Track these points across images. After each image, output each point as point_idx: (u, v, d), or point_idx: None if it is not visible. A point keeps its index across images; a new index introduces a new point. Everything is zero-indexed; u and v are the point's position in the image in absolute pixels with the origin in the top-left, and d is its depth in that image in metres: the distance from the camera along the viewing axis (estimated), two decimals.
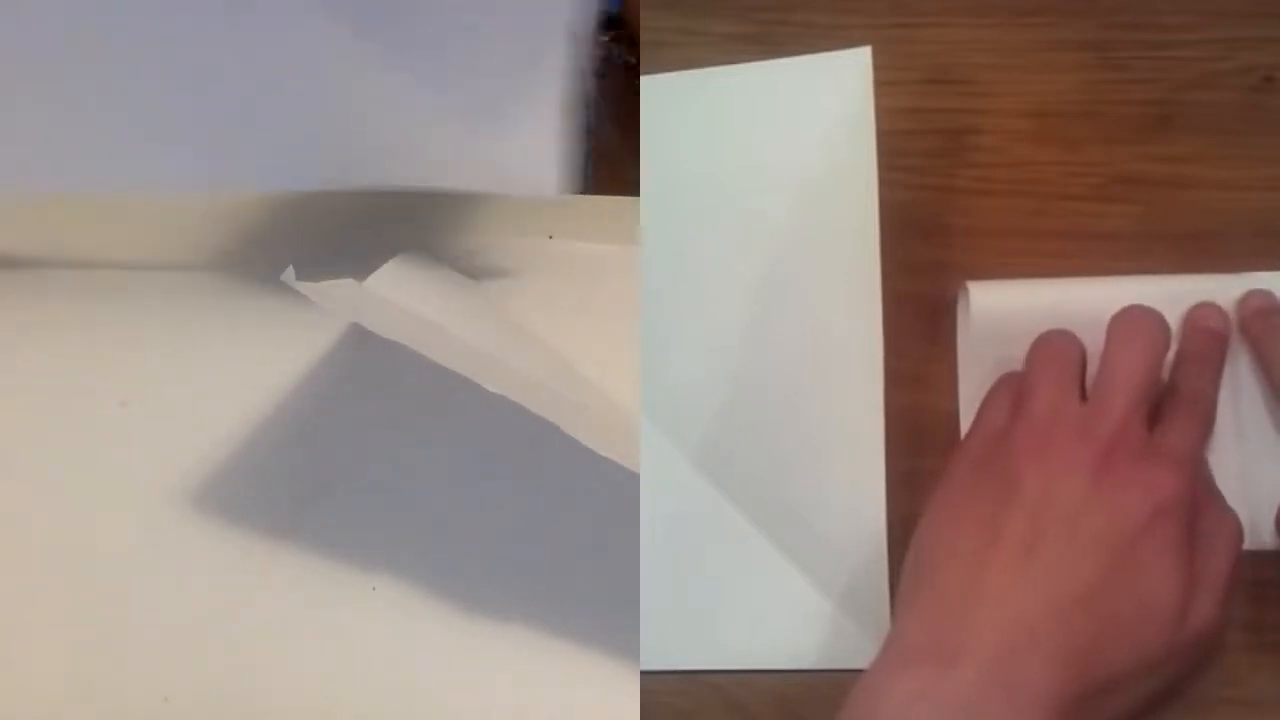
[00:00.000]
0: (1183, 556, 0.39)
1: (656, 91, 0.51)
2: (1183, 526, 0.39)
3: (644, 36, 0.52)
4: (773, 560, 0.46)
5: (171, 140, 0.56)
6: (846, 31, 0.50)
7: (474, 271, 0.59)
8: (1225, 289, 0.45)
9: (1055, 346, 0.43)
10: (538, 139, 0.56)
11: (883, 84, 0.47)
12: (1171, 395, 0.43)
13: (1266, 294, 0.44)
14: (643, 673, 0.44)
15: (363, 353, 0.55)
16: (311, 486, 0.50)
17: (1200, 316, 0.44)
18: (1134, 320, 0.42)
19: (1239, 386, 0.45)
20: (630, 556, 0.45)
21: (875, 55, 0.48)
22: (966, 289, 0.46)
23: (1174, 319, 0.44)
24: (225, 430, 0.51)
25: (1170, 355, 0.43)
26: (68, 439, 0.51)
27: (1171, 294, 0.44)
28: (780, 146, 0.49)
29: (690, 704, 0.45)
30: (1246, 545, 0.41)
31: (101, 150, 0.55)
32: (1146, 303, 0.43)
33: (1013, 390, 0.43)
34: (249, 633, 0.44)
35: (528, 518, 0.48)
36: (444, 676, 0.43)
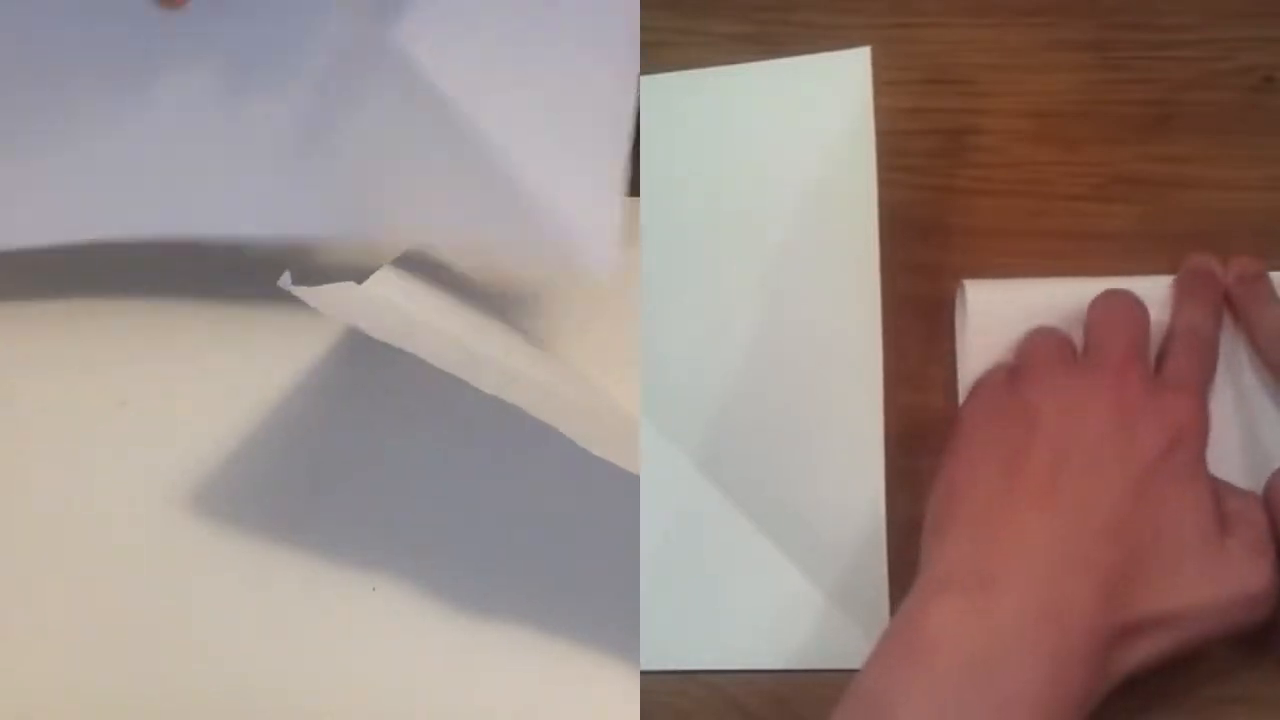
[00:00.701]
0: (1203, 485, 0.40)
1: (656, 91, 0.51)
2: (1198, 457, 0.40)
3: (644, 36, 0.52)
4: (772, 560, 0.46)
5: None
6: (847, 31, 0.50)
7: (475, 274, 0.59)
8: None
9: (1045, 339, 0.44)
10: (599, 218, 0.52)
11: (883, 84, 0.47)
12: (1170, 338, 0.44)
13: (1250, 260, 0.45)
14: (643, 673, 0.44)
15: (362, 353, 0.55)
16: (311, 486, 0.50)
17: (1193, 262, 0.45)
18: (1114, 296, 0.44)
19: (1238, 361, 0.45)
20: (630, 556, 0.45)
21: (875, 55, 0.48)
22: (964, 288, 0.46)
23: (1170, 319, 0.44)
24: (225, 430, 0.51)
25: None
26: (68, 439, 0.51)
27: (1170, 295, 0.45)
28: (780, 146, 0.49)
29: (690, 704, 0.45)
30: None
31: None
32: (1146, 303, 0.43)
33: (1008, 364, 0.44)
34: (249, 633, 0.44)
35: (528, 517, 0.48)
36: (444, 676, 0.43)
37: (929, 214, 0.49)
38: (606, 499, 0.47)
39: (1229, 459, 0.43)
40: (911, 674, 0.36)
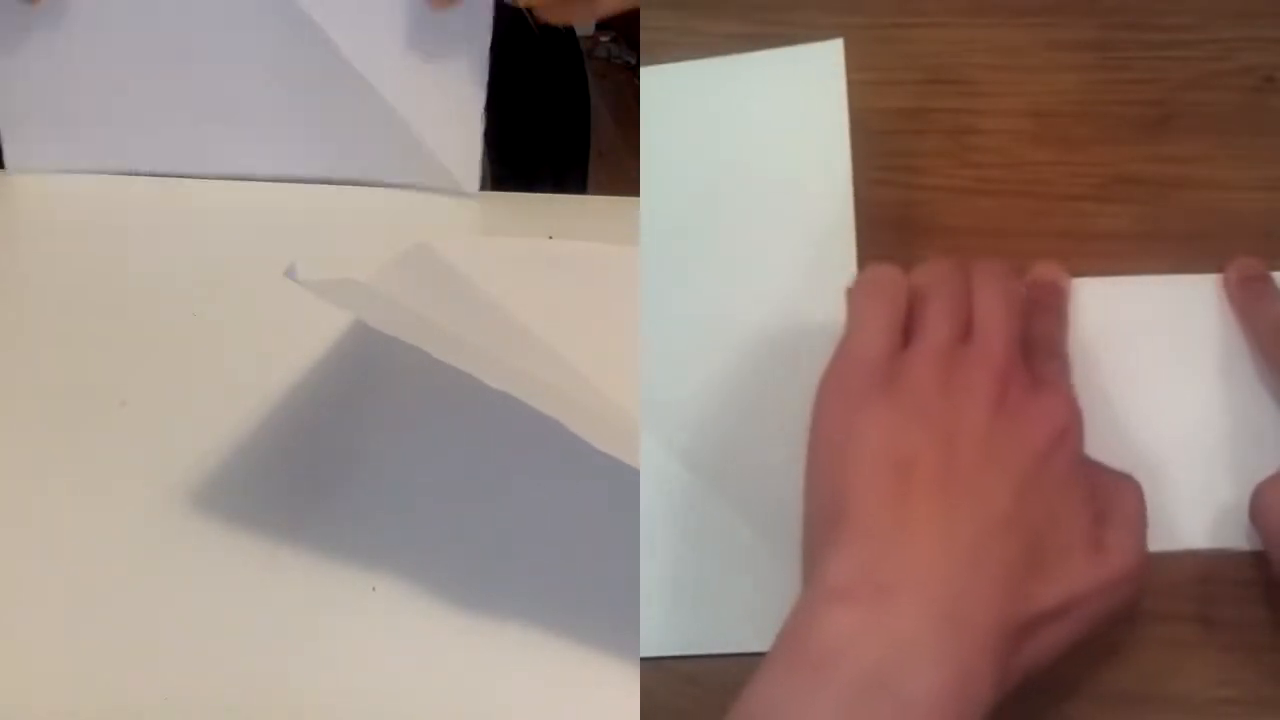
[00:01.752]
0: (1084, 481, 0.40)
1: (655, 83, 0.51)
2: (1078, 452, 0.41)
3: (644, 36, 0.52)
4: (764, 551, 0.46)
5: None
6: (847, 31, 0.51)
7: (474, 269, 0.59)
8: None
9: (938, 271, 0.42)
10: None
11: (883, 84, 0.47)
12: (1029, 344, 0.43)
13: (1250, 261, 0.45)
14: (643, 673, 0.44)
15: (362, 354, 0.55)
16: (311, 486, 0.50)
17: (1040, 272, 0.46)
18: (994, 281, 0.43)
19: (1231, 362, 0.45)
20: (630, 556, 0.45)
21: (876, 55, 0.48)
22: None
23: (1173, 319, 0.44)
24: (225, 430, 0.51)
25: None
26: (68, 439, 0.51)
27: (1169, 295, 0.45)
28: (758, 139, 0.50)
29: (690, 704, 0.45)
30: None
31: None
32: (1148, 303, 0.44)
33: (892, 316, 0.42)
34: (249, 633, 0.44)
35: (528, 517, 0.48)
36: (444, 676, 0.43)
37: (929, 214, 0.49)
38: (606, 498, 0.47)
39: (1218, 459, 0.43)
40: (811, 688, 0.35)
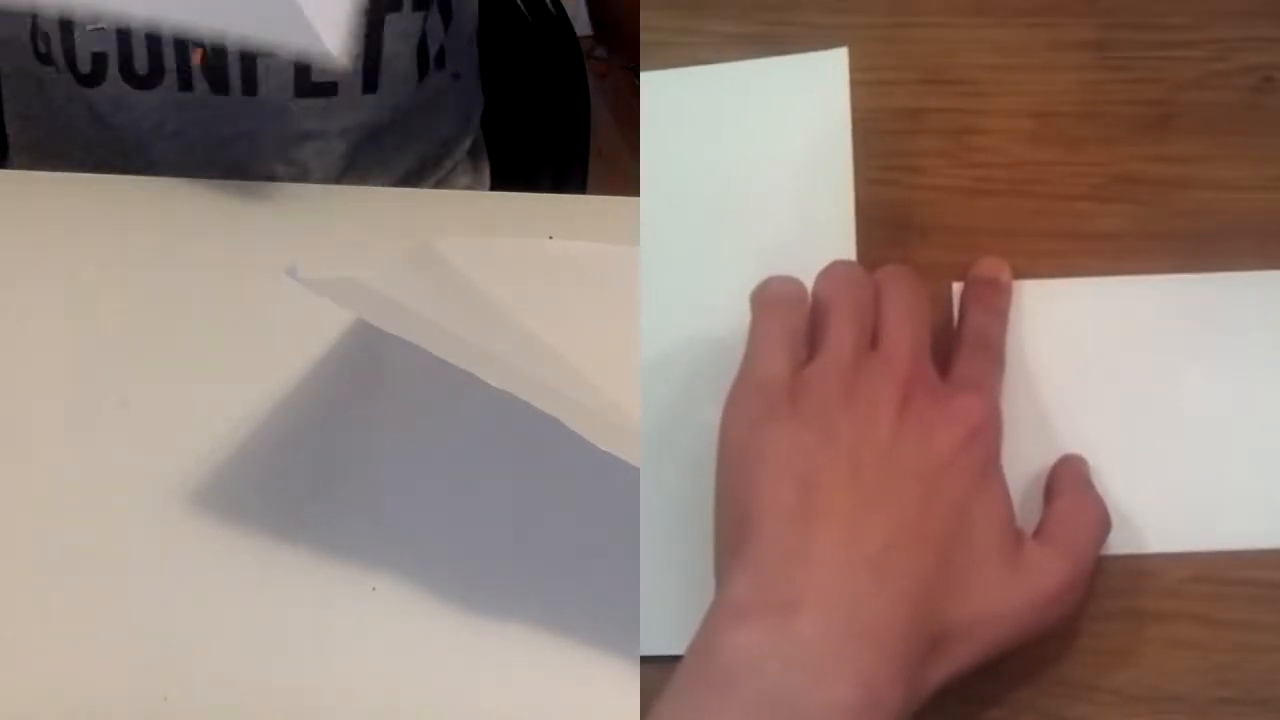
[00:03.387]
0: (999, 486, 0.39)
1: (656, 88, 0.51)
2: (990, 454, 0.40)
3: (644, 36, 0.52)
4: None
5: None
6: (847, 31, 0.50)
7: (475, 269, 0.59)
8: (1226, 288, 0.45)
9: (841, 279, 0.42)
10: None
11: (883, 84, 0.47)
12: (960, 342, 0.43)
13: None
14: (643, 672, 0.44)
15: (362, 354, 0.55)
16: (311, 486, 0.50)
17: (981, 268, 0.46)
18: (901, 287, 0.42)
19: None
20: (630, 556, 0.45)
21: (876, 55, 0.48)
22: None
23: (1175, 318, 0.44)
24: (225, 430, 0.51)
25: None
26: (68, 439, 0.51)
27: (1171, 293, 0.45)
28: (760, 145, 0.50)
29: None
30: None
31: None
32: (1147, 304, 0.43)
33: (791, 334, 0.42)
34: (249, 633, 0.44)
35: (528, 517, 0.48)
36: (444, 676, 0.43)
37: (929, 214, 0.48)
38: (606, 498, 0.47)
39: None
40: (714, 706, 0.35)
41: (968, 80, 0.50)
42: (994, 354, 0.44)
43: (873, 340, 0.41)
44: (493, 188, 0.88)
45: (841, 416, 0.39)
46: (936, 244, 0.48)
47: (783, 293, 0.42)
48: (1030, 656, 0.42)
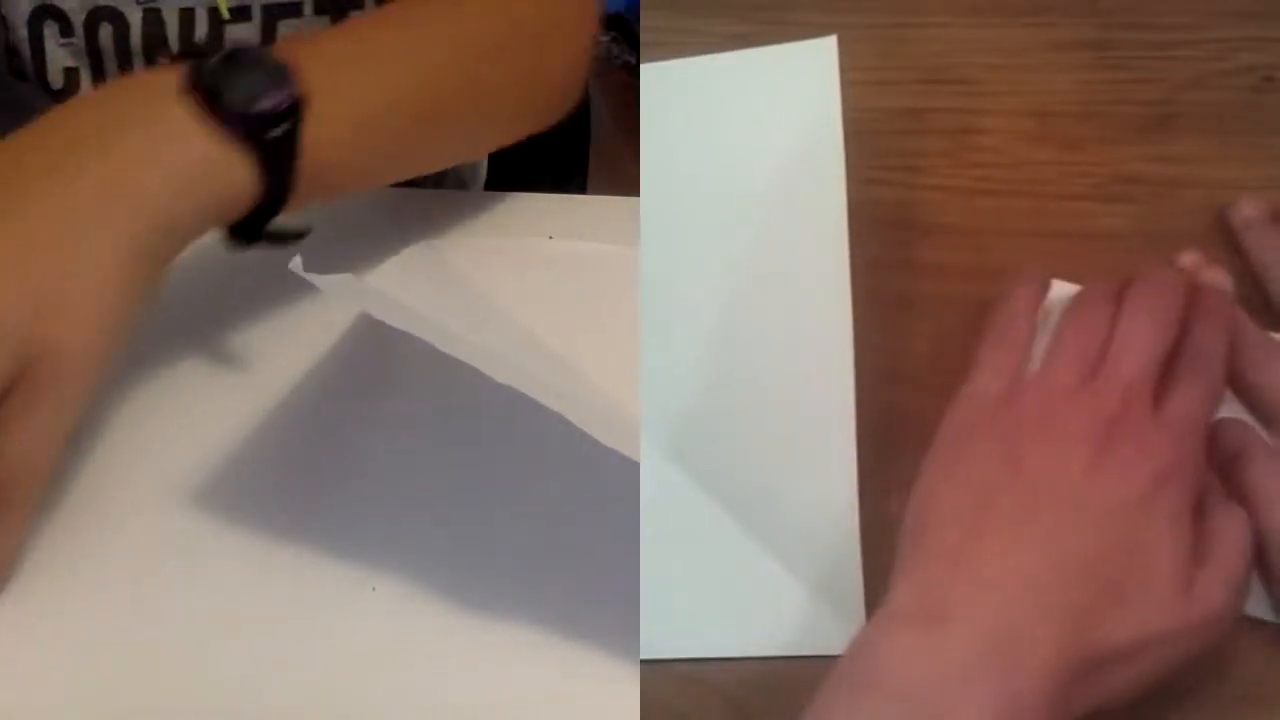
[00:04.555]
0: (1183, 527, 0.39)
1: (654, 79, 0.51)
2: (1184, 497, 0.39)
3: (644, 36, 0.52)
4: (760, 552, 0.46)
5: None
6: (847, 31, 0.50)
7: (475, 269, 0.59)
8: None
9: (1086, 320, 0.42)
10: None
11: (883, 84, 0.47)
12: (1180, 357, 0.42)
13: (1257, 203, 0.45)
14: (643, 674, 0.44)
15: (363, 354, 0.55)
16: (311, 486, 0.50)
17: (1207, 274, 0.45)
18: (1149, 291, 0.43)
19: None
20: (630, 556, 0.45)
21: (876, 55, 0.48)
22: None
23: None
24: (225, 430, 0.51)
25: None
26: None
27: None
28: (754, 136, 0.50)
29: (690, 704, 0.45)
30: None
31: None
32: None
33: (1021, 344, 0.43)
34: (249, 633, 0.44)
35: (528, 517, 0.48)
36: (444, 676, 0.43)
37: (929, 214, 0.49)
38: (606, 498, 0.47)
39: None
40: (853, 704, 0.36)
41: (968, 80, 0.50)
42: (1210, 375, 0.43)
43: (1098, 363, 0.41)
44: (492, 188, 0.88)
45: (1032, 448, 0.40)
46: (936, 244, 0.48)
47: (1012, 321, 0.44)
48: None
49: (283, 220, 0.49)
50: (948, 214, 0.49)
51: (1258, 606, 0.42)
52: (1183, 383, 0.42)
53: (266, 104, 0.46)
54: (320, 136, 0.47)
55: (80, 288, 0.42)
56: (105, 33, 0.67)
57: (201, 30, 0.68)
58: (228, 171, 0.45)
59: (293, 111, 0.47)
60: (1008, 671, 0.35)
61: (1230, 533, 0.40)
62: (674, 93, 0.52)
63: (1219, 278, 0.45)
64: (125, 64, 0.69)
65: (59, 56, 0.69)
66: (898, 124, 0.49)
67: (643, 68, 0.52)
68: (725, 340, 0.49)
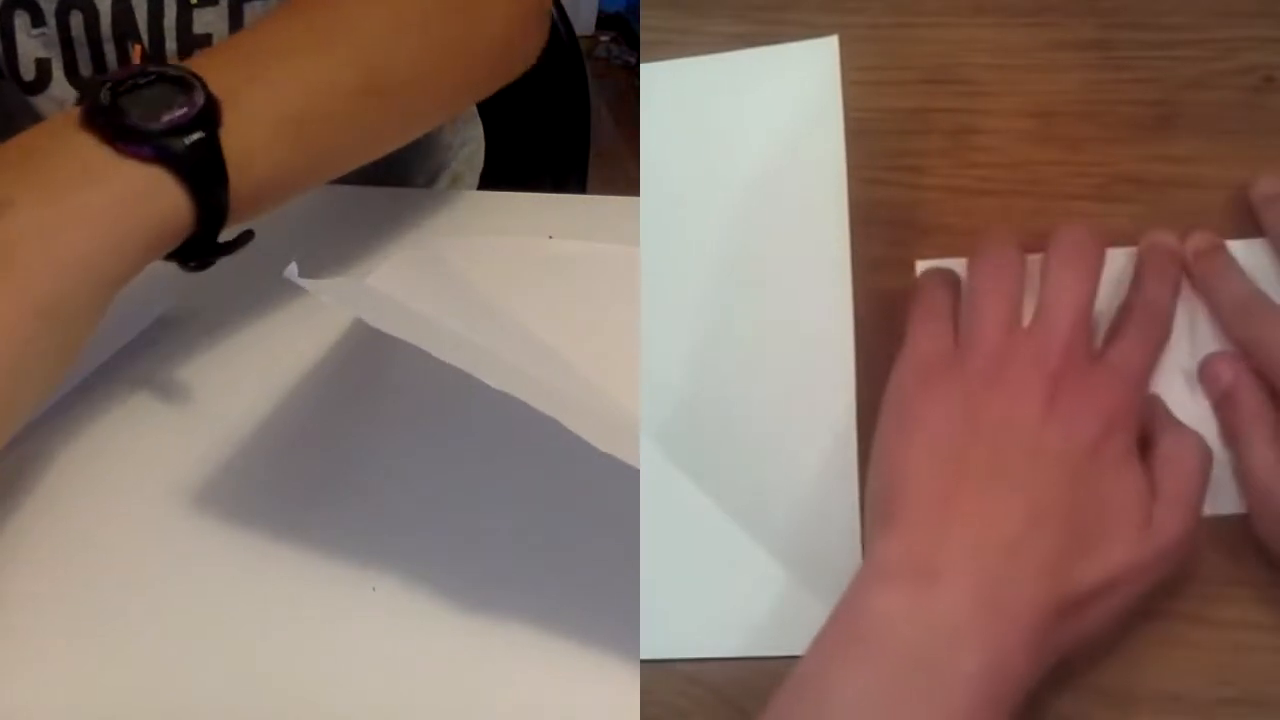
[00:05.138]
0: (1133, 467, 0.41)
1: (655, 79, 0.51)
2: (1129, 440, 0.41)
3: (644, 36, 0.52)
4: (760, 553, 0.46)
5: None
6: (847, 31, 0.51)
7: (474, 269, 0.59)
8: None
9: (997, 264, 0.44)
10: None
11: (883, 84, 0.47)
12: (1127, 309, 0.44)
13: (1207, 233, 0.46)
14: (643, 674, 0.44)
15: (362, 354, 0.55)
16: (311, 486, 0.50)
17: (1156, 237, 0.46)
18: (1073, 243, 0.44)
19: (1196, 337, 0.45)
20: (630, 556, 0.45)
21: (876, 55, 0.48)
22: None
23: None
24: (225, 430, 0.51)
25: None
26: (68, 439, 0.51)
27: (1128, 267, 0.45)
28: (755, 136, 0.50)
29: (690, 704, 0.45)
30: (1207, 510, 0.42)
31: None
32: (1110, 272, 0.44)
33: (947, 312, 0.44)
34: (249, 633, 0.44)
35: (528, 517, 0.48)
36: (444, 676, 0.43)
37: (929, 214, 0.48)
38: (606, 498, 0.47)
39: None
40: (850, 664, 0.37)
41: (968, 80, 0.50)
42: (1157, 325, 0.44)
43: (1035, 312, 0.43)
44: (493, 187, 0.88)
45: (989, 399, 0.41)
46: (937, 244, 0.48)
47: (932, 278, 0.45)
48: None
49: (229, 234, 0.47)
50: (948, 214, 0.48)
51: (1226, 503, 0.43)
52: (1128, 333, 0.43)
53: (171, 116, 0.43)
54: (242, 140, 0.45)
55: (12, 345, 0.40)
56: (76, 21, 0.68)
57: (170, 17, 0.68)
58: (153, 198, 0.43)
59: (204, 120, 0.44)
60: (994, 628, 0.37)
61: (1179, 456, 0.42)
62: (674, 93, 0.52)
63: (1168, 239, 0.46)
64: (96, 52, 0.69)
65: (31, 48, 0.69)
66: (898, 124, 0.49)
67: (643, 68, 0.52)
68: (725, 340, 0.49)
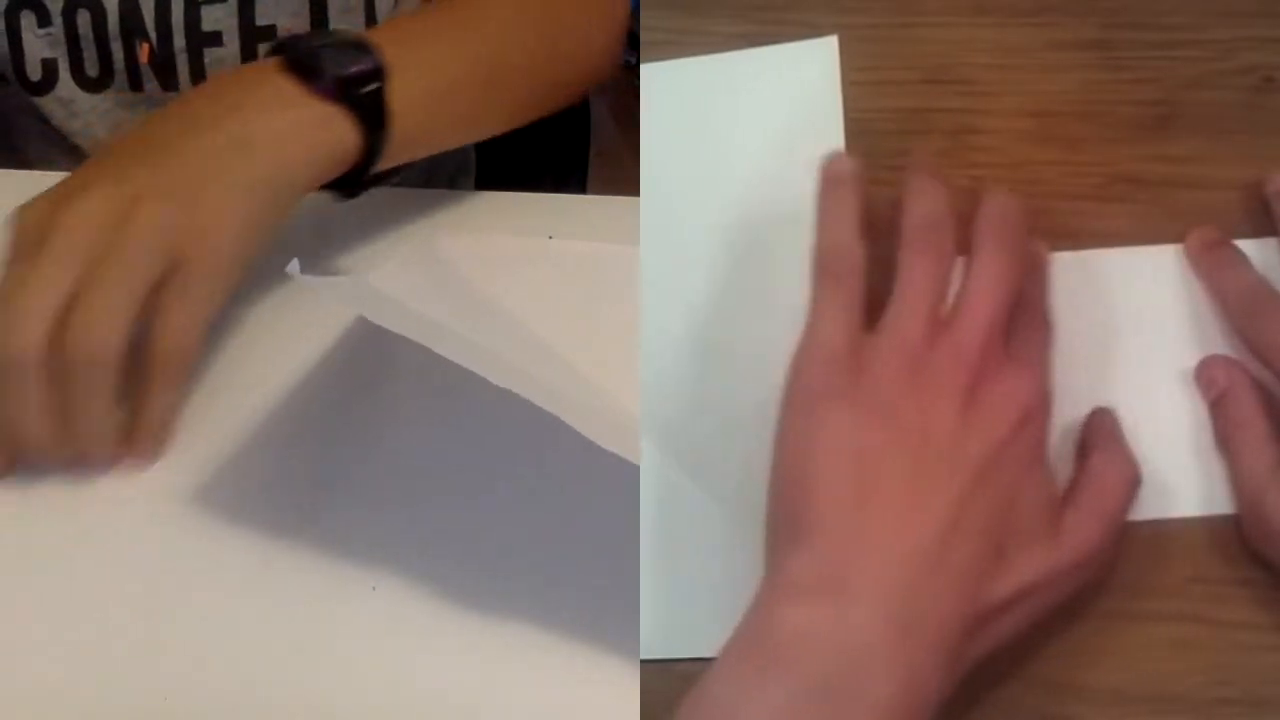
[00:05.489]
0: (1042, 464, 0.40)
1: (655, 79, 0.51)
2: (1041, 435, 0.40)
3: (644, 36, 0.52)
4: (757, 555, 0.46)
5: None
6: (847, 31, 0.51)
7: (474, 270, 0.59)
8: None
9: (926, 266, 0.42)
10: None
11: (883, 84, 0.47)
12: (1019, 310, 0.43)
13: (1210, 229, 0.45)
14: (643, 674, 0.44)
15: (363, 354, 0.55)
16: (312, 486, 0.50)
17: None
18: (1002, 220, 0.42)
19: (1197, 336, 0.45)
20: (630, 555, 0.45)
21: (876, 55, 0.48)
22: None
23: (1137, 289, 0.45)
24: (226, 430, 0.51)
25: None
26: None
27: (1133, 265, 0.45)
28: (755, 137, 0.50)
29: None
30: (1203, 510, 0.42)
31: None
32: (1115, 274, 0.45)
33: (849, 304, 0.41)
34: (249, 633, 0.44)
35: (528, 517, 0.48)
36: (444, 676, 0.43)
37: None
38: (607, 498, 0.47)
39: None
40: (759, 685, 0.36)
41: (968, 80, 0.50)
42: (1046, 323, 0.44)
43: (944, 307, 0.41)
44: (492, 188, 0.88)
45: (904, 402, 0.39)
46: None
47: (837, 255, 0.42)
48: (1029, 657, 0.42)
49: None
50: None
51: (1187, 504, 0.43)
52: (1022, 330, 0.42)
53: (354, 69, 0.54)
54: (403, 102, 0.55)
55: (216, 209, 0.50)
56: (83, 19, 0.68)
57: (178, 14, 0.68)
58: (333, 129, 0.53)
59: (378, 75, 0.55)
60: (907, 648, 0.36)
61: (1105, 472, 0.41)
62: (674, 93, 0.52)
63: (1035, 243, 0.45)
64: (104, 51, 0.69)
65: (37, 47, 0.69)
66: (899, 124, 0.49)
67: (643, 68, 0.52)
68: (725, 340, 0.49)
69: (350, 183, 0.57)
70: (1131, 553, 0.43)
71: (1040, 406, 0.40)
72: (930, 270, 0.41)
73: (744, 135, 0.50)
